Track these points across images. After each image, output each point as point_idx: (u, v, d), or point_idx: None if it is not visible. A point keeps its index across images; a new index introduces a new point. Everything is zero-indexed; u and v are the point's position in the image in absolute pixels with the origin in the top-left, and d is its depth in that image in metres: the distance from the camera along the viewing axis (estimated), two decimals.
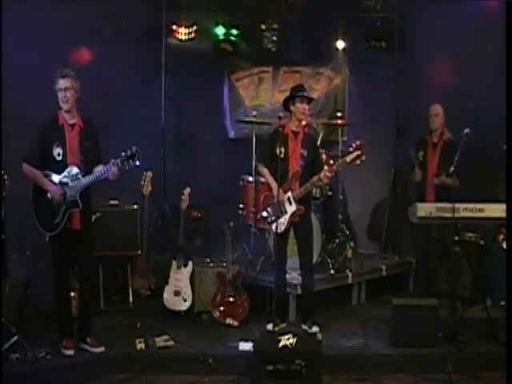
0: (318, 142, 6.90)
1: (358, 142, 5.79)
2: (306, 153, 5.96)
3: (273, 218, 5.89)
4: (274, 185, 5.89)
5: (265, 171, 6.11)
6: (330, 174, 5.82)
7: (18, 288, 5.87)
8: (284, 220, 5.92)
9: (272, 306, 5.65)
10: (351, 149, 5.79)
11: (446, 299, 5.96)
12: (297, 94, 5.94)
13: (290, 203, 5.91)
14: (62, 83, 5.27)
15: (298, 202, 5.90)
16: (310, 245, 6.10)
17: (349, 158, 5.79)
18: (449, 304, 5.84)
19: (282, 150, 5.89)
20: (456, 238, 6.13)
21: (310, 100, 6.06)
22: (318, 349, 5.29)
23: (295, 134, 6.00)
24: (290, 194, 5.90)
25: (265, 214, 6.04)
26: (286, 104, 6.03)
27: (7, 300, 5.54)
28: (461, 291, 6.35)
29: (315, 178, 5.85)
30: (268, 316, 5.76)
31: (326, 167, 5.91)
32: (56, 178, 5.30)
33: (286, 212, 5.92)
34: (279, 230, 5.88)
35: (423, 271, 6.93)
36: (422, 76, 7.74)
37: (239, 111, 8.25)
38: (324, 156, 6.78)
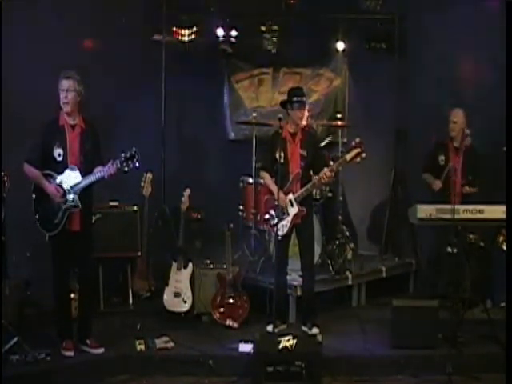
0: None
1: (357, 140, 5.77)
2: (305, 153, 5.94)
3: (275, 221, 5.87)
4: (274, 189, 5.87)
5: (266, 176, 6.10)
6: (330, 174, 5.80)
7: (17, 289, 5.86)
8: (286, 222, 5.92)
9: (272, 308, 5.64)
10: (350, 147, 5.78)
11: (445, 300, 5.95)
12: (293, 99, 5.92)
13: (292, 205, 5.90)
14: (64, 84, 5.27)
15: (300, 203, 5.89)
16: (311, 246, 6.10)
17: (349, 156, 5.77)
18: (449, 305, 5.83)
19: (282, 153, 5.86)
20: (456, 239, 6.13)
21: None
22: (317, 350, 5.29)
23: (293, 135, 5.98)
24: (291, 195, 5.90)
25: (267, 216, 6.04)
26: (284, 106, 6.02)
27: (7, 301, 5.53)
28: (461, 292, 6.34)
29: (315, 179, 5.84)
30: (268, 317, 5.74)
31: (325, 168, 5.89)
32: (56, 178, 5.30)
33: (288, 214, 5.92)
34: (282, 233, 5.88)
35: (425, 272, 6.92)
36: (421, 77, 7.74)
37: (239, 112, 8.24)
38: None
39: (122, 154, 5.23)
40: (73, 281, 5.73)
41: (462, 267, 6.34)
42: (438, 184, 6.58)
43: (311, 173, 5.94)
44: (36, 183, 5.35)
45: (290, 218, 5.92)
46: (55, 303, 5.51)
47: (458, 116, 6.61)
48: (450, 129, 6.63)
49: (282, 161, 5.86)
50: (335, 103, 8.17)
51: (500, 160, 6.01)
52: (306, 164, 5.94)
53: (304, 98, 5.97)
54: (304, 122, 5.99)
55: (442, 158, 6.69)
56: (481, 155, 6.65)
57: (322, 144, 6.98)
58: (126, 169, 5.24)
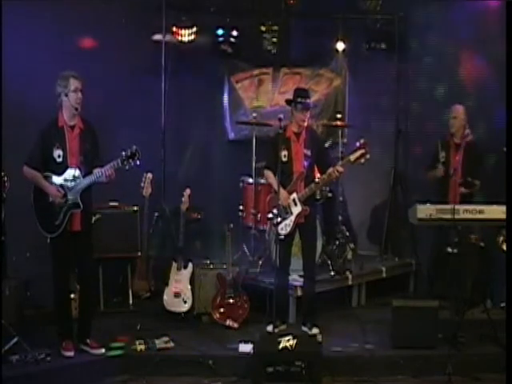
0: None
1: (361, 141, 5.74)
2: (309, 152, 5.94)
3: (278, 220, 5.84)
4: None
5: (269, 175, 6.06)
6: (342, 169, 5.77)
7: (17, 289, 5.86)
8: (289, 221, 5.91)
9: (272, 308, 5.64)
10: (355, 147, 5.77)
11: (445, 300, 5.95)
12: (297, 99, 5.91)
13: (296, 204, 5.89)
14: (77, 84, 5.27)
15: (303, 203, 5.89)
16: (314, 246, 6.11)
17: (353, 157, 5.74)
18: (449, 305, 5.83)
19: (285, 152, 5.87)
20: (456, 239, 6.13)
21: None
22: (317, 350, 5.29)
23: (297, 135, 5.98)
24: (295, 194, 5.89)
25: (270, 215, 6.02)
26: (289, 104, 6.02)
27: (7, 301, 5.53)
28: (461, 293, 6.34)
29: (326, 174, 5.79)
30: (268, 317, 5.74)
31: (331, 168, 5.84)
32: (56, 179, 5.31)
33: (291, 213, 5.91)
34: (285, 232, 5.87)
35: (425, 272, 6.92)
36: (421, 77, 7.74)
37: (239, 113, 8.23)
38: None
39: (123, 153, 5.25)
40: (73, 281, 5.74)
41: (462, 267, 6.35)
42: (440, 170, 6.60)
43: (317, 173, 5.92)
44: (36, 185, 5.34)
45: (293, 218, 5.91)
46: (55, 303, 5.50)
47: (457, 112, 6.61)
48: (450, 125, 6.63)
49: (285, 159, 5.86)
50: (335, 103, 8.16)
51: (500, 160, 6.02)
52: (310, 163, 5.93)
53: (308, 101, 5.96)
54: (308, 122, 5.98)
55: (442, 154, 6.68)
56: (482, 153, 6.62)
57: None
58: (127, 167, 5.26)
